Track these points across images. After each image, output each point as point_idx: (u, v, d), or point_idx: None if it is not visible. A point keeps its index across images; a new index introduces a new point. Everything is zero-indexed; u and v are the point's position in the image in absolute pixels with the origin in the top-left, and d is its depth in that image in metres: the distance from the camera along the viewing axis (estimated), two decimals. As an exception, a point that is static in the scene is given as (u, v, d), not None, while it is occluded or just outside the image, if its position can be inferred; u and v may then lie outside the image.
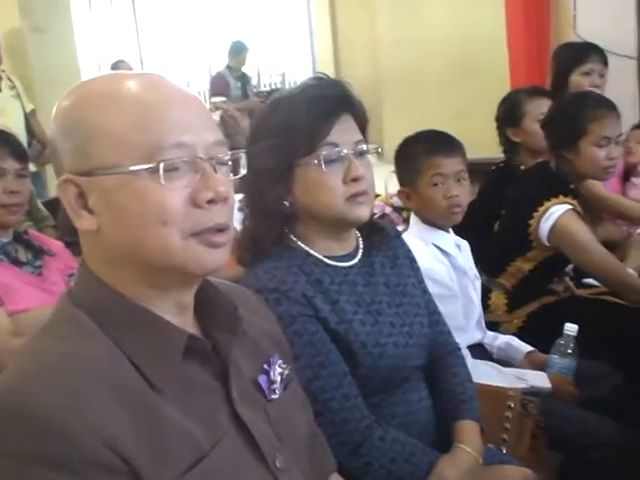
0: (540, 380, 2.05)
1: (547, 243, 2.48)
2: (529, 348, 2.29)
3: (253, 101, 7.57)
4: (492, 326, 2.43)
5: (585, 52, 3.16)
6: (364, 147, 1.55)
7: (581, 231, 2.44)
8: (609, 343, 2.45)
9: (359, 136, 1.56)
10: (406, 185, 2.21)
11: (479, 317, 2.23)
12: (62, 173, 1.04)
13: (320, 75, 1.61)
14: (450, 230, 2.22)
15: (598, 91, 3.10)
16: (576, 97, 2.69)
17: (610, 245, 3.03)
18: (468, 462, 1.56)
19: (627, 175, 3.25)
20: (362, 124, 1.58)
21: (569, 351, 2.16)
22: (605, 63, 3.14)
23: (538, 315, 2.58)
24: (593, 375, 2.31)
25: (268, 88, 8.75)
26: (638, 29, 4.18)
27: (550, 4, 4.32)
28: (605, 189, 3.06)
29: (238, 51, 7.68)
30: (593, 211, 2.66)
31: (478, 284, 2.26)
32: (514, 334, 2.43)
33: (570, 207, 2.44)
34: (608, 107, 2.52)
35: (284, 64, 9.19)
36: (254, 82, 8.46)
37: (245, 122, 6.95)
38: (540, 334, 2.31)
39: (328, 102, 1.52)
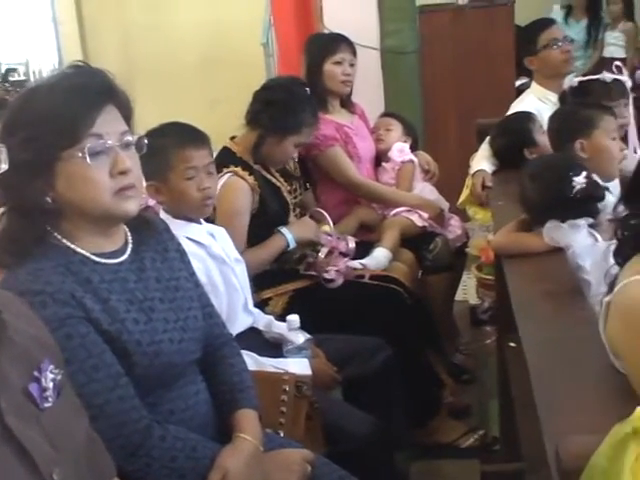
0: (300, 367, 2.06)
1: None
2: (303, 339, 2.29)
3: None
4: (258, 305, 2.43)
5: (336, 42, 3.27)
6: (130, 138, 1.50)
7: (237, 200, 2.54)
8: (376, 317, 2.60)
9: (124, 127, 1.50)
10: (155, 179, 2.15)
11: (245, 302, 2.24)
12: None
13: (79, 63, 1.53)
14: (202, 221, 2.21)
15: (349, 79, 3.23)
16: (283, 88, 2.76)
17: (368, 227, 3.21)
18: (249, 450, 1.57)
19: (379, 161, 3.41)
20: (127, 115, 1.53)
21: (300, 343, 2.18)
22: (354, 53, 3.27)
23: (300, 294, 2.66)
24: (365, 350, 2.41)
25: (12, 78, 8.23)
26: (379, 22, 4.41)
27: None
28: (360, 174, 3.20)
29: (-26, 37, 7.15)
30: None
31: (240, 268, 2.26)
32: (280, 315, 2.47)
33: (232, 173, 2.54)
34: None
35: (26, 53, 8.68)
36: (-6, 71, 7.92)
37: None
38: (304, 313, 2.38)
39: (90, 92, 1.45)
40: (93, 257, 1.52)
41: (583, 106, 2.52)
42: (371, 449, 2.06)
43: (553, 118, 2.56)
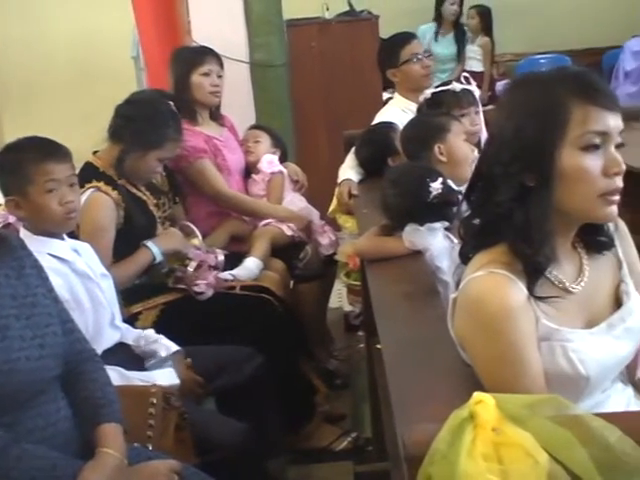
0: (167, 378, 2.07)
1: None
2: (166, 352, 2.26)
3: None
4: (128, 320, 2.43)
5: (202, 54, 3.28)
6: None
7: (100, 216, 2.52)
8: (247, 327, 2.63)
9: None
10: (14, 194, 2.10)
11: (112, 317, 2.22)
12: None
13: None
14: (65, 236, 2.17)
15: (218, 90, 3.25)
16: (146, 103, 2.76)
17: (238, 239, 3.23)
18: (113, 464, 1.57)
19: (248, 173, 3.43)
20: None
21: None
22: (221, 65, 3.29)
23: (171, 307, 2.66)
24: (236, 360, 2.44)
25: None
26: (247, 35, 4.44)
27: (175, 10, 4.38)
28: (229, 187, 3.22)
29: None
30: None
31: (107, 283, 2.23)
32: (151, 329, 2.46)
33: (95, 188, 2.53)
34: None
35: None
36: None
37: None
38: (175, 326, 2.37)
39: None
40: (-58, 276, 1.48)
41: (431, 115, 2.65)
42: (243, 457, 2.08)
43: (406, 129, 2.66)
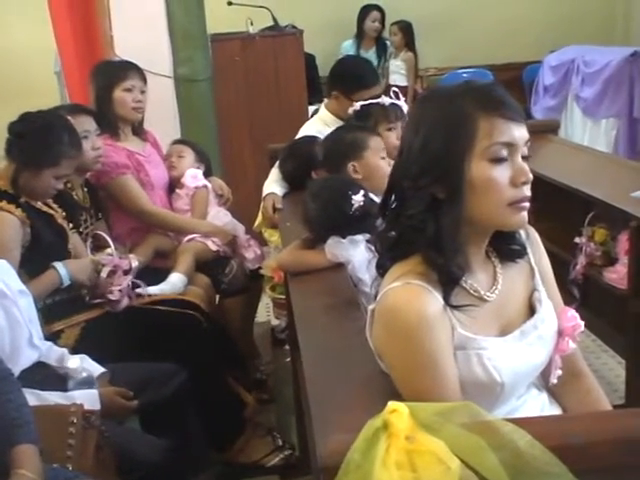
0: (88, 400, 2.02)
1: None
2: (85, 374, 2.22)
3: None
4: (50, 338, 2.36)
5: (125, 69, 3.24)
6: None
7: (5, 235, 2.44)
8: (173, 342, 2.61)
9: None
10: None
11: (30, 336, 2.16)
12: None
13: None
14: None
15: (140, 106, 3.22)
16: (38, 120, 2.60)
17: (163, 254, 3.20)
18: None
19: (172, 188, 3.41)
20: None
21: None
22: (144, 80, 3.25)
23: (94, 325, 2.61)
24: (159, 377, 2.41)
25: None
26: (171, 50, 4.42)
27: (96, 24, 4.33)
28: (152, 203, 3.19)
29: None
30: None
31: (26, 301, 2.18)
32: (74, 348, 2.42)
33: None
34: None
35: None
36: None
37: None
38: (99, 343, 2.33)
39: None
40: None
41: (350, 130, 2.66)
42: (165, 475, 2.06)
43: (325, 144, 2.67)
